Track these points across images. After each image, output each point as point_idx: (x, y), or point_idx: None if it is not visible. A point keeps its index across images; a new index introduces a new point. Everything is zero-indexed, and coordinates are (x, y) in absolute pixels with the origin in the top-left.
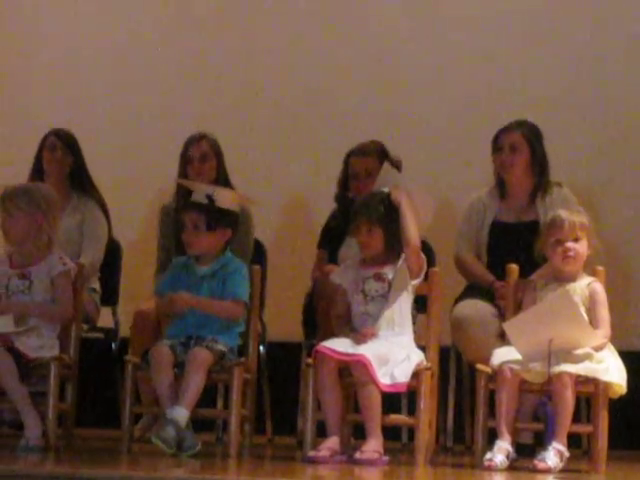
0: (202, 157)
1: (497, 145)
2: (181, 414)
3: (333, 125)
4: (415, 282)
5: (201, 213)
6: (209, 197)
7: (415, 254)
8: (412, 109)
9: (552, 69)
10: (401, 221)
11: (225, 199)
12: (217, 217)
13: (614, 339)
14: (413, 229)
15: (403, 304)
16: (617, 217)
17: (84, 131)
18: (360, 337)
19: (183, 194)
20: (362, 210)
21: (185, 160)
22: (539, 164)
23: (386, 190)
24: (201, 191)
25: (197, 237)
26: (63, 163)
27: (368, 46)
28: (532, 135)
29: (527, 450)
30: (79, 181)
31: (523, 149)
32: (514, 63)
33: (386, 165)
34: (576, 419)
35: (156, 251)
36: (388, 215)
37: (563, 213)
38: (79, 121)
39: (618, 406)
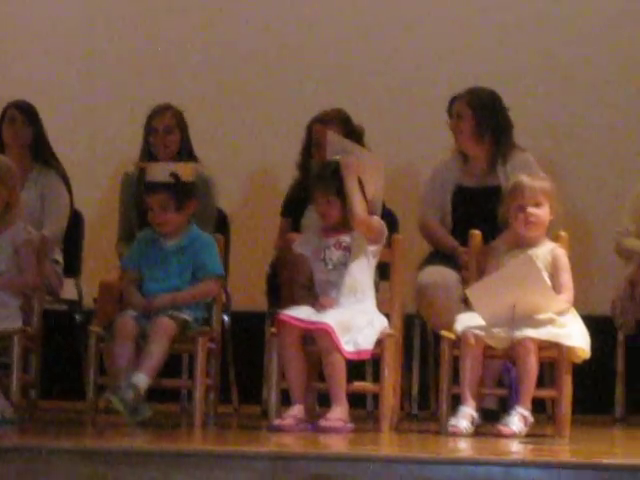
0: (166, 129)
1: (450, 112)
2: (141, 380)
3: (296, 93)
4: (373, 248)
5: (168, 193)
6: (174, 175)
7: (363, 225)
8: (374, 76)
9: (514, 35)
10: (346, 194)
11: (186, 173)
12: (182, 194)
13: (577, 304)
14: (356, 202)
15: (364, 271)
16: (580, 182)
17: (45, 102)
18: (320, 306)
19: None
20: (318, 181)
21: (149, 131)
22: (491, 131)
23: (337, 158)
24: (162, 170)
25: (166, 217)
26: (23, 135)
27: (328, 14)
28: (479, 103)
29: (492, 415)
30: (40, 153)
31: (467, 117)
32: (475, 28)
33: (331, 134)
34: (540, 384)
35: (118, 221)
36: (344, 184)
37: (525, 178)
38: (40, 92)
39: (582, 371)
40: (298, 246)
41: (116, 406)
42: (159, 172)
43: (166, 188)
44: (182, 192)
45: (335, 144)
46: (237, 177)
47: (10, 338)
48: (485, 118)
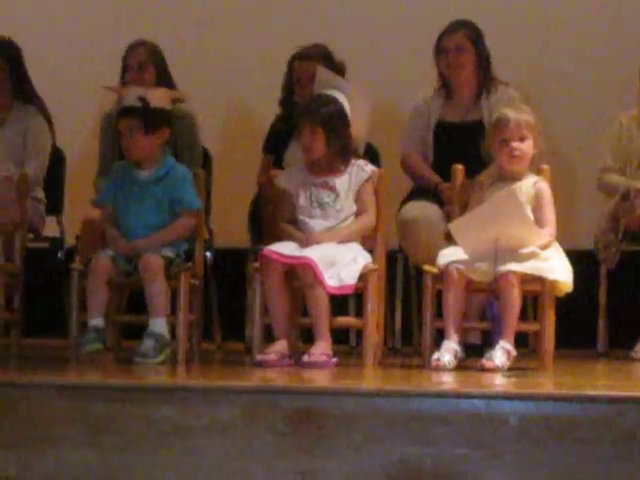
0: (140, 65)
1: (441, 47)
2: (157, 324)
3: (277, 29)
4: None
5: (135, 117)
6: (141, 99)
7: None
8: (356, 12)
9: None
10: None
11: (157, 98)
12: (152, 118)
13: (560, 239)
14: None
15: (349, 210)
16: (562, 116)
17: (27, 38)
18: (305, 241)
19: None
20: (305, 112)
21: (124, 69)
22: (485, 61)
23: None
24: (132, 94)
25: (135, 142)
26: (3, 71)
27: None
28: (475, 34)
29: (475, 350)
30: (21, 90)
31: (469, 48)
32: None
33: (320, 69)
34: (523, 319)
35: (98, 159)
36: (332, 118)
37: (509, 112)
38: (23, 28)
39: (564, 306)
40: (281, 180)
41: (145, 364)
42: (129, 97)
43: (133, 112)
44: (150, 116)
45: (324, 79)
46: (218, 114)
47: None
48: (484, 51)
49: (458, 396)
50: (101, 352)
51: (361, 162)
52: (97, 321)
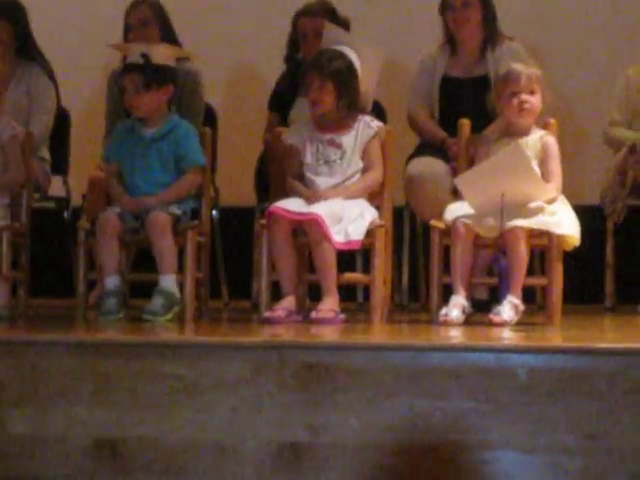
0: (142, 23)
1: (447, 3)
2: (166, 281)
3: None
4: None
5: (138, 73)
6: (144, 55)
7: None
8: None
9: None
10: None
11: (161, 55)
12: (154, 74)
13: (566, 194)
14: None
15: (356, 167)
16: (568, 70)
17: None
18: (312, 198)
19: None
20: (313, 66)
21: (127, 28)
22: (491, 16)
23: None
24: (134, 51)
25: (138, 98)
26: (6, 32)
27: None
28: None
29: (482, 306)
30: (25, 50)
31: (474, 3)
32: None
33: (328, 25)
34: (530, 274)
35: (104, 119)
36: (341, 72)
37: (518, 66)
38: None
39: (572, 262)
40: (288, 137)
41: (154, 321)
42: (132, 53)
43: (136, 68)
44: (153, 72)
45: (332, 35)
46: (223, 71)
47: None
48: (489, 6)
49: (467, 350)
50: (120, 320)
51: (367, 118)
52: (114, 280)
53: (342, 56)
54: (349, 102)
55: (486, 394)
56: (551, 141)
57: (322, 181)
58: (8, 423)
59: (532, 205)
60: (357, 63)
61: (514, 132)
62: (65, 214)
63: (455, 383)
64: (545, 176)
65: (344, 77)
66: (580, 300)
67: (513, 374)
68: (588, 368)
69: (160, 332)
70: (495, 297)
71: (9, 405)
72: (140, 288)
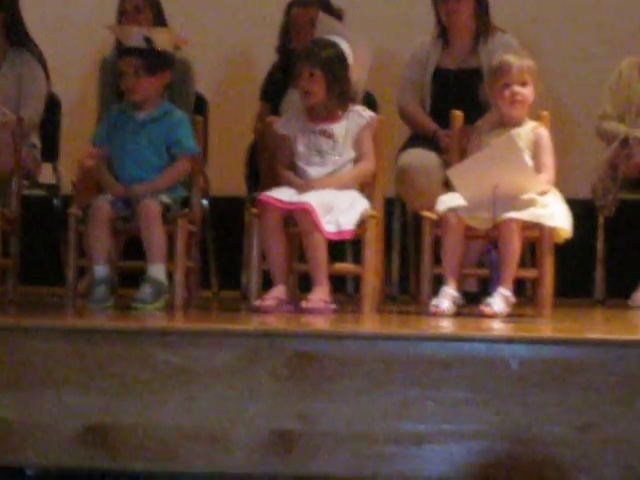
0: (135, 9)
1: None
2: (154, 271)
3: None
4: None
5: (141, 57)
6: (147, 39)
7: None
8: None
9: None
10: None
11: (162, 40)
12: (157, 59)
13: (558, 187)
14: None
15: (347, 156)
16: (561, 63)
17: None
18: (304, 187)
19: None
20: (304, 55)
21: (120, 14)
22: (483, 8)
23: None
24: (136, 34)
25: (138, 82)
26: None
27: None
28: None
29: (473, 298)
30: (15, 35)
31: None
32: None
33: (322, 15)
34: (521, 266)
35: (96, 105)
36: (332, 61)
37: (511, 57)
38: None
39: (563, 255)
40: (280, 126)
41: (143, 309)
42: (133, 36)
43: (139, 52)
44: (155, 57)
45: (325, 25)
46: (215, 60)
47: None
48: None
49: (458, 339)
50: (110, 308)
51: (359, 108)
52: (104, 269)
53: (333, 45)
54: (339, 91)
55: (478, 384)
56: (544, 133)
57: (315, 171)
58: None
59: (524, 197)
60: (349, 53)
61: (506, 124)
62: (55, 201)
63: (447, 373)
64: (537, 168)
65: (334, 66)
66: (570, 293)
67: (505, 364)
68: (580, 359)
69: (150, 319)
70: (484, 290)
71: None
72: (129, 277)
